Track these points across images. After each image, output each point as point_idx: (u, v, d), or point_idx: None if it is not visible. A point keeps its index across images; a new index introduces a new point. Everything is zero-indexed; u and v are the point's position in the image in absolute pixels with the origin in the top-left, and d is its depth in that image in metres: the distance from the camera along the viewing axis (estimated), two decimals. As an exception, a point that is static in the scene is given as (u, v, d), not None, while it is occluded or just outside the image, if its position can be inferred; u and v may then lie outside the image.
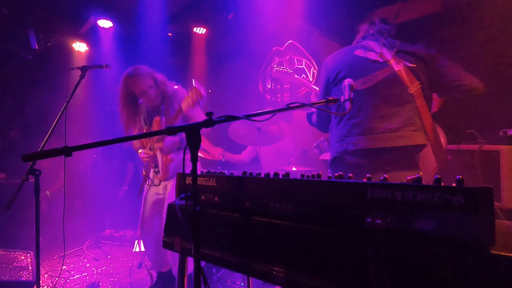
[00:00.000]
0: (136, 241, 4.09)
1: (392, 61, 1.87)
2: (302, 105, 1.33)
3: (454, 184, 0.75)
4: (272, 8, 4.06)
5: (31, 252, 2.84)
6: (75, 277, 3.20)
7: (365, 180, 0.92)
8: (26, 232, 3.19)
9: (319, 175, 1.04)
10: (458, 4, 3.05)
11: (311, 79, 4.25)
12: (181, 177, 1.39)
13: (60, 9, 4.33)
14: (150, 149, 2.67)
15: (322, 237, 0.93)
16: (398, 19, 3.59)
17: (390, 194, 0.81)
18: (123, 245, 4.19)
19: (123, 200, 4.91)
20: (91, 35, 5.03)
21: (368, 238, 0.81)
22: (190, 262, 1.17)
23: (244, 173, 1.20)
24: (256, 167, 3.89)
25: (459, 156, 2.32)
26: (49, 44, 4.70)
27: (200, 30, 5.01)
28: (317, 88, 2.34)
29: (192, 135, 1.01)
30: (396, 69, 1.84)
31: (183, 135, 2.52)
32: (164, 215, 1.43)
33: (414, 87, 1.79)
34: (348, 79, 1.58)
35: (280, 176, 1.10)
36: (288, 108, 1.29)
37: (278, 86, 4.61)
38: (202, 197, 1.27)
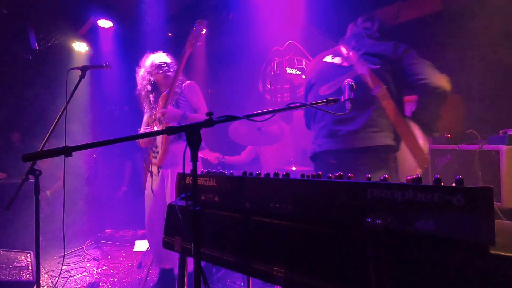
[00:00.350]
0: (136, 241, 4.09)
1: (356, 65, 1.90)
2: (302, 105, 1.33)
3: (454, 184, 0.75)
4: (272, 8, 4.06)
5: (31, 252, 2.84)
6: (75, 277, 3.20)
7: (365, 180, 0.92)
8: (26, 232, 3.19)
9: (319, 175, 1.04)
10: (458, 4, 3.05)
11: (311, 79, 4.24)
12: (181, 177, 1.39)
13: (60, 9, 4.34)
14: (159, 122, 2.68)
15: (322, 237, 0.93)
16: (398, 19, 3.59)
17: (390, 194, 0.81)
18: (123, 245, 4.19)
19: (123, 200, 4.92)
20: (91, 35, 5.03)
21: (368, 238, 0.81)
22: (191, 262, 1.17)
23: (244, 173, 1.20)
24: (256, 167, 3.89)
25: (459, 156, 2.32)
26: (49, 44, 4.70)
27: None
28: None
29: (192, 135, 1.01)
30: (360, 73, 1.87)
31: (187, 113, 2.58)
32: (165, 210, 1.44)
33: (377, 89, 1.80)
34: (349, 79, 1.58)
35: (280, 176, 1.10)
36: (288, 108, 1.29)
37: (278, 86, 4.60)
38: (202, 197, 1.27)
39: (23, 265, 2.61)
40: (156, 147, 2.66)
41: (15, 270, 2.49)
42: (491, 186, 0.69)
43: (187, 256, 1.36)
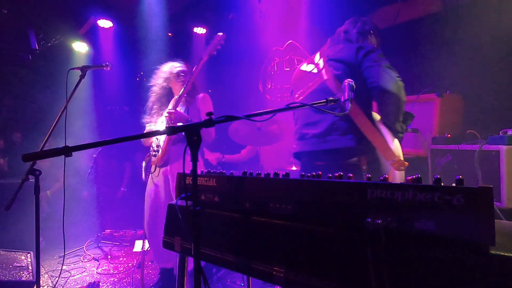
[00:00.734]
0: (136, 241, 4.09)
1: (323, 71, 1.96)
2: (302, 105, 1.33)
3: (454, 184, 0.75)
4: (272, 8, 4.06)
5: (31, 252, 2.84)
6: (75, 277, 3.20)
7: (365, 180, 0.92)
8: (26, 232, 3.18)
9: (319, 175, 1.04)
10: (458, 4, 3.05)
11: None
12: (181, 177, 1.39)
13: (60, 9, 4.34)
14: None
15: (322, 237, 0.93)
16: (398, 19, 3.59)
17: (390, 194, 0.81)
18: (123, 245, 4.19)
19: (123, 200, 4.92)
20: (91, 35, 5.02)
21: (368, 238, 0.81)
22: (191, 262, 1.17)
23: (244, 173, 1.20)
24: (256, 166, 3.89)
25: (459, 156, 2.32)
26: (49, 44, 4.70)
27: (200, 30, 5.01)
28: None
29: (192, 135, 1.00)
30: (325, 78, 1.93)
31: (193, 120, 2.63)
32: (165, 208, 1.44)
33: (340, 94, 1.81)
34: (349, 79, 1.58)
35: (280, 176, 1.10)
36: (288, 108, 1.29)
37: (278, 86, 4.60)
38: (202, 197, 1.27)
39: (23, 265, 2.60)
40: (158, 146, 2.67)
41: (15, 270, 2.49)
42: (491, 186, 0.69)
43: (187, 256, 1.36)
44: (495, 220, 0.69)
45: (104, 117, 5.07)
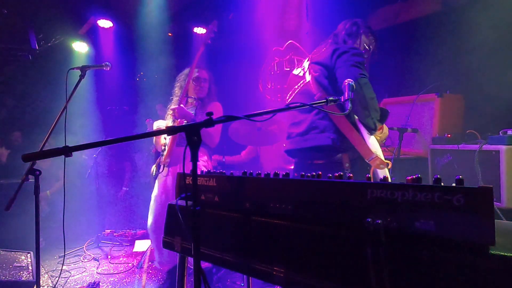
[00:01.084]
0: (136, 241, 4.09)
1: (306, 74, 2.06)
2: (302, 105, 1.33)
3: (454, 184, 0.75)
4: (272, 8, 4.05)
5: (31, 252, 2.84)
6: (75, 277, 3.20)
7: (365, 180, 0.92)
8: (26, 232, 3.18)
9: (319, 175, 1.04)
10: (458, 4, 3.05)
11: (311, 79, 4.25)
12: (181, 177, 1.39)
13: (60, 9, 4.33)
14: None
15: (322, 237, 0.93)
16: (398, 19, 3.59)
17: (390, 194, 0.81)
18: (123, 245, 4.19)
19: (123, 200, 4.92)
20: (91, 35, 5.02)
21: (368, 238, 0.81)
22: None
23: (244, 173, 1.20)
24: (256, 167, 3.89)
25: (459, 156, 2.32)
26: (49, 44, 4.70)
27: (200, 30, 5.00)
28: None
29: (192, 135, 1.00)
30: (307, 81, 2.02)
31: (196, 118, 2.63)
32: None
33: (318, 95, 1.92)
34: (349, 79, 1.58)
35: (280, 176, 1.10)
36: (288, 108, 1.30)
37: (278, 86, 4.60)
38: (202, 197, 1.27)
39: (23, 265, 2.61)
40: (165, 145, 2.69)
41: (15, 270, 2.49)
42: (491, 186, 0.69)
43: (187, 256, 1.36)
44: (495, 220, 0.69)
45: (104, 117, 5.07)
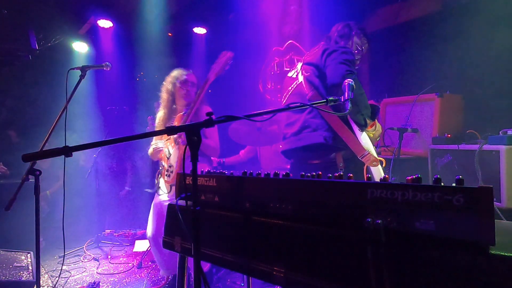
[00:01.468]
0: (136, 241, 4.09)
1: (299, 75, 2.10)
2: (302, 105, 1.33)
3: (454, 184, 0.75)
4: (272, 8, 4.05)
5: (31, 252, 2.84)
6: (75, 277, 3.20)
7: (365, 180, 0.92)
8: (26, 232, 3.18)
9: (319, 175, 1.04)
10: (458, 3, 3.05)
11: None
12: (181, 177, 1.39)
13: (60, 9, 4.33)
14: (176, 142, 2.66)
15: (322, 237, 0.93)
16: (398, 19, 3.59)
17: (390, 194, 0.81)
18: (123, 245, 4.19)
19: (123, 200, 4.92)
20: (91, 35, 5.02)
21: (368, 238, 0.81)
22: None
23: (244, 173, 1.20)
24: (256, 167, 3.89)
25: (459, 156, 2.32)
26: (49, 44, 4.69)
27: (200, 30, 5.01)
28: None
29: (192, 135, 1.01)
30: (300, 81, 2.07)
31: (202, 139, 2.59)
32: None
33: (310, 93, 1.96)
34: (349, 79, 1.58)
35: (280, 176, 1.10)
36: (288, 108, 1.29)
37: (278, 86, 4.60)
38: (202, 197, 1.27)
39: (23, 265, 2.60)
40: (170, 166, 2.60)
41: (15, 270, 2.49)
42: (491, 186, 0.69)
43: (187, 256, 1.36)
44: (495, 220, 0.69)
45: (104, 117, 5.07)
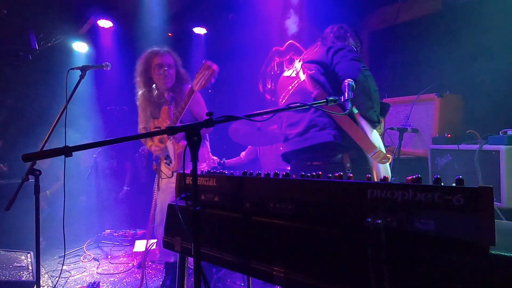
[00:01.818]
0: (136, 241, 4.09)
1: (300, 73, 2.06)
2: (302, 105, 1.33)
3: (454, 184, 0.75)
4: (272, 8, 4.05)
5: (31, 252, 2.84)
6: (75, 277, 3.20)
7: (365, 180, 0.92)
8: (26, 232, 3.18)
9: (319, 175, 1.04)
10: (458, 4, 3.04)
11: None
12: (181, 177, 1.39)
13: (60, 9, 4.33)
14: (161, 142, 2.66)
15: (322, 237, 0.93)
16: (398, 19, 3.59)
17: (390, 194, 0.81)
18: (123, 245, 4.19)
19: (123, 200, 4.92)
20: (91, 35, 5.02)
21: (368, 238, 0.81)
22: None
23: (244, 173, 1.20)
24: (256, 167, 3.88)
25: (459, 156, 2.32)
26: (49, 44, 4.70)
27: (200, 30, 5.01)
28: None
29: (192, 135, 1.00)
30: (302, 80, 2.02)
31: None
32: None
33: (315, 92, 1.91)
34: (349, 79, 1.58)
35: (280, 176, 1.10)
36: (288, 108, 1.29)
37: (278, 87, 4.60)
38: (202, 197, 1.27)
39: (23, 265, 2.60)
40: (168, 156, 2.64)
41: (15, 270, 2.49)
42: (491, 186, 0.69)
43: (187, 256, 1.36)
44: (495, 220, 0.69)
45: (104, 117, 5.07)
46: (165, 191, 2.72)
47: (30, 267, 2.57)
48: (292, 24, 4.13)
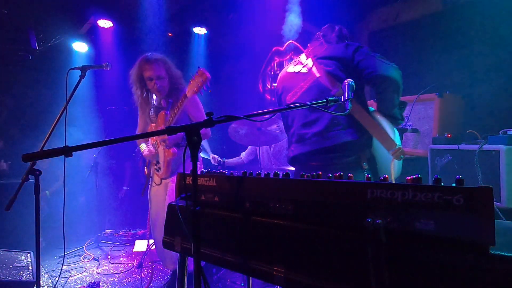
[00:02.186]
0: (136, 241, 4.09)
1: (313, 70, 1.99)
2: (302, 105, 1.33)
3: (454, 184, 0.75)
4: (272, 8, 4.05)
5: (31, 252, 2.84)
6: (75, 277, 3.20)
7: (365, 180, 0.92)
8: (26, 232, 3.19)
9: (319, 175, 1.04)
10: (458, 4, 3.05)
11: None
12: (181, 177, 1.39)
13: (60, 9, 4.33)
14: (154, 147, 2.68)
15: (322, 237, 0.93)
16: (398, 19, 3.59)
17: (390, 194, 0.81)
18: (123, 245, 4.19)
19: (123, 200, 4.92)
20: (91, 35, 5.02)
21: (368, 238, 0.81)
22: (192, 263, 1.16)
23: (244, 173, 1.20)
24: (255, 167, 3.88)
25: (459, 156, 2.32)
26: (49, 44, 4.70)
27: (200, 30, 5.01)
28: None
29: (192, 135, 1.00)
30: (318, 76, 1.95)
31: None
32: (164, 215, 1.45)
33: (335, 89, 1.87)
34: (349, 79, 1.58)
35: (280, 176, 1.10)
36: (288, 108, 1.30)
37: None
38: (202, 197, 1.27)
39: (23, 265, 2.60)
40: (158, 163, 2.68)
41: (15, 270, 2.49)
42: (491, 186, 0.69)
43: (187, 256, 1.36)
44: (495, 220, 0.69)
45: (104, 117, 5.07)
46: (153, 199, 2.75)
47: (30, 267, 2.57)
48: (291, 24, 4.13)
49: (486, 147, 2.08)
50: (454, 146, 2.35)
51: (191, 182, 1.03)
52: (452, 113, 2.74)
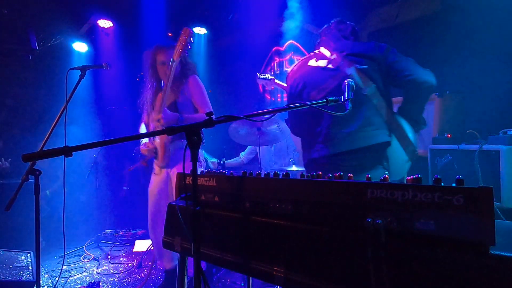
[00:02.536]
0: (136, 241, 4.09)
1: (342, 66, 1.90)
2: (302, 105, 1.33)
3: (454, 184, 0.75)
4: (272, 8, 4.06)
5: (31, 252, 2.84)
6: (75, 277, 3.20)
7: (365, 180, 0.92)
8: (26, 232, 3.19)
9: (319, 175, 1.04)
10: (458, 3, 3.05)
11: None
12: (181, 177, 1.39)
13: (60, 9, 4.34)
14: (151, 143, 2.66)
15: (322, 237, 0.93)
16: (398, 19, 3.59)
17: (390, 194, 0.81)
18: (123, 245, 4.19)
19: (123, 200, 4.91)
20: (91, 35, 5.03)
21: (368, 238, 0.81)
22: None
23: (244, 173, 1.20)
24: (255, 167, 3.88)
25: (459, 156, 2.32)
26: (49, 44, 4.70)
27: (200, 30, 5.01)
28: None
29: (192, 135, 1.00)
30: (348, 73, 1.86)
31: (183, 115, 2.49)
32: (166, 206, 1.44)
33: (368, 88, 1.83)
34: (349, 79, 1.58)
35: (280, 176, 1.10)
36: (288, 108, 1.29)
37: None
38: (202, 197, 1.27)
39: (23, 265, 2.60)
40: (155, 148, 2.65)
41: (15, 270, 2.49)
42: (491, 186, 0.69)
43: (187, 256, 1.36)
44: (495, 220, 0.69)
45: (104, 117, 5.07)
46: (154, 193, 2.71)
47: (30, 267, 2.57)
48: (291, 24, 4.13)
49: (486, 147, 2.08)
50: (454, 146, 2.35)
51: (191, 182, 1.03)
52: (452, 113, 2.74)
